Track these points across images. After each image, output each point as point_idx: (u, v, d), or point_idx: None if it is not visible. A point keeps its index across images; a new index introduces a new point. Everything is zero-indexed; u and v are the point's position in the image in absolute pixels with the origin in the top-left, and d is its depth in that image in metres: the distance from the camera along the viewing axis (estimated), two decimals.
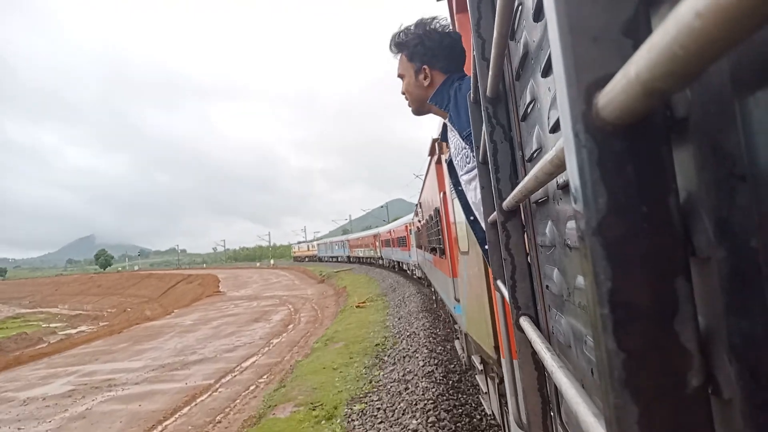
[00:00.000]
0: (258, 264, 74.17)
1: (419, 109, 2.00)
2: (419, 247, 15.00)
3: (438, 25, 1.93)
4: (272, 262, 66.80)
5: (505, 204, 1.02)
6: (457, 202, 4.81)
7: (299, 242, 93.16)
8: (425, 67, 1.89)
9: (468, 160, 1.81)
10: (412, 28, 1.94)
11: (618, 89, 0.25)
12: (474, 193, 1.86)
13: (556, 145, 0.41)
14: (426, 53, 1.89)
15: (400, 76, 1.99)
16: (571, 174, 0.32)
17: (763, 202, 0.24)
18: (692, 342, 0.29)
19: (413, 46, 1.91)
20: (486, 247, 2.01)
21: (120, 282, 63.66)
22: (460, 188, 2.01)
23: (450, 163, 2.05)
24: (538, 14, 0.77)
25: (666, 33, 0.19)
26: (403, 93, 2.00)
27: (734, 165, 0.26)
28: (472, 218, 2.03)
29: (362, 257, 46.56)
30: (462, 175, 1.91)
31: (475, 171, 1.78)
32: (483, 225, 1.92)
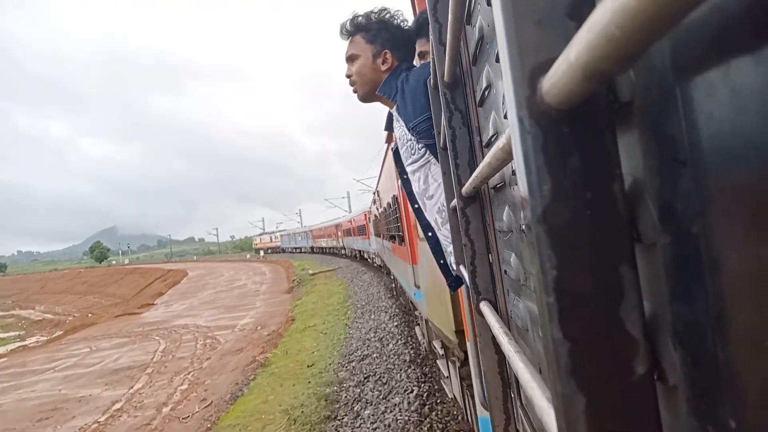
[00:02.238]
0: (248, 255, 70.40)
1: (367, 95, 1.99)
2: (378, 235, 15.03)
3: (401, 18, 1.96)
4: (262, 254, 63.12)
5: (464, 190, 1.02)
6: None
7: (261, 233, 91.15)
8: (386, 51, 1.89)
9: (413, 151, 1.83)
10: (374, 13, 1.94)
11: (560, 73, 0.24)
12: (418, 184, 1.89)
13: (506, 131, 0.41)
14: (390, 38, 1.90)
15: (351, 57, 1.96)
16: (517, 161, 0.31)
17: (704, 187, 0.24)
18: (637, 329, 0.29)
19: (377, 29, 1.91)
20: (429, 234, 2.06)
21: (105, 278, 60.88)
22: (405, 177, 2.03)
23: (396, 152, 2.06)
24: None
25: (604, 13, 0.18)
26: (349, 76, 1.98)
27: (676, 150, 0.26)
28: (416, 206, 2.06)
29: (325, 247, 45.80)
30: (407, 165, 1.93)
31: (420, 161, 1.81)
32: (426, 215, 1.96)
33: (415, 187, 1.94)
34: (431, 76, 1.40)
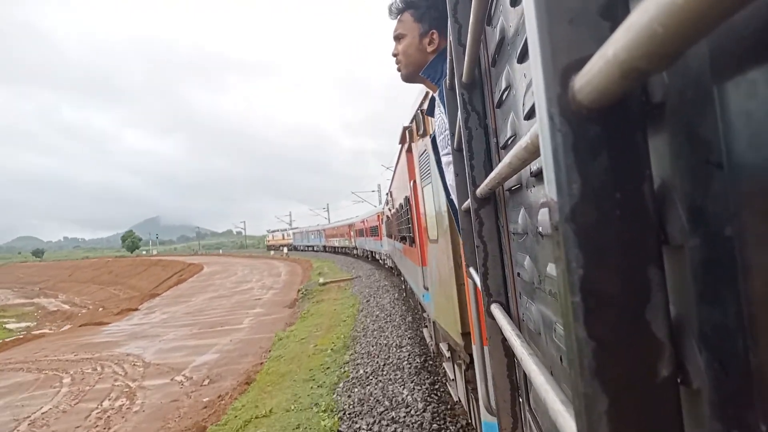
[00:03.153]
0: (272, 253, 68.79)
1: (411, 75, 1.92)
2: (389, 236, 14.95)
3: None
4: (285, 251, 61.22)
5: (478, 191, 1.02)
6: (427, 190, 4.82)
7: (273, 231, 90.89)
8: (434, 31, 1.81)
9: (448, 142, 1.75)
10: None
11: (595, 71, 0.24)
12: (451, 176, 1.82)
13: (531, 130, 0.40)
14: (439, 18, 1.79)
15: (398, 36, 1.89)
16: (545, 159, 0.31)
17: (740, 190, 0.24)
18: (663, 331, 0.28)
19: (426, 7, 1.82)
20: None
21: (130, 269, 61.56)
22: (440, 167, 1.96)
23: (434, 139, 2.00)
24: None
25: (646, 11, 0.18)
26: (395, 55, 1.91)
27: (710, 152, 0.26)
28: (450, 198, 2.00)
29: (338, 246, 45.59)
30: (443, 155, 1.86)
31: None
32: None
33: (449, 179, 1.86)
34: (447, 76, 1.39)
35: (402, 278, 13.63)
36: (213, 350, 12.79)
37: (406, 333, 9.84)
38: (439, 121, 1.83)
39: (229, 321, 17.19)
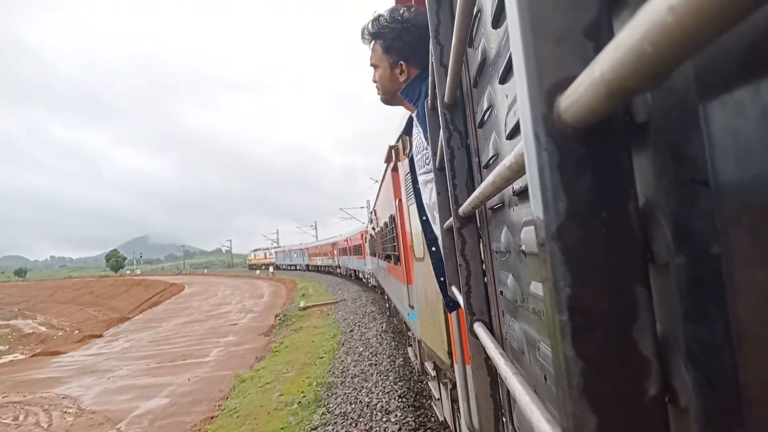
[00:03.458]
0: (258, 272, 65.98)
1: (389, 100, 1.93)
2: (373, 254, 14.86)
3: (415, 15, 1.83)
4: (271, 270, 59.09)
5: (461, 210, 1.02)
6: (413, 208, 4.83)
7: (255, 250, 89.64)
8: (402, 62, 1.81)
9: (427, 160, 1.75)
10: (386, 16, 1.84)
11: (581, 90, 0.24)
12: (429, 195, 1.82)
13: (516, 149, 0.41)
14: (404, 47, 1.80)
15: (373, 65, 1.90)
16: (531, 178, 0.31)
17: (727, 207, 0.24)
18: (650, 349, 0.28)
19: (391, 39, 1.82)
20: (433, 249, 1.99)
21: (111, 290, 59.97)
22: (417, 186, 1.96)
23: (411, 159, 2.00)
24: (497, 21, 0.77)
25: (635, 30, 0.18)
26: (374, 81, 1.92)
27: (696, 171, 0.26)
28: (424, 218, 1.99)
29: (320, 266, 45.27)
30: (420, 174, 1.86)
31: (432, 173, 1.75)
32: (434, 228, 1.89)
33: (426, 198, 1.86)
34: (429, 97, 1.41)
35: (386, 296, 13.48)
36: (165, 392, 10.75)
37: (395, 387, 7.50)
38: (417, 140, 1.83)
39: (195, 352, 15.14)
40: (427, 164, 1.77)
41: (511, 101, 0.72)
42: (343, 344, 11.50)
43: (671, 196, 0.29)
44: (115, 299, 50.82)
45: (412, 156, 1.99)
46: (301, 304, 19.78)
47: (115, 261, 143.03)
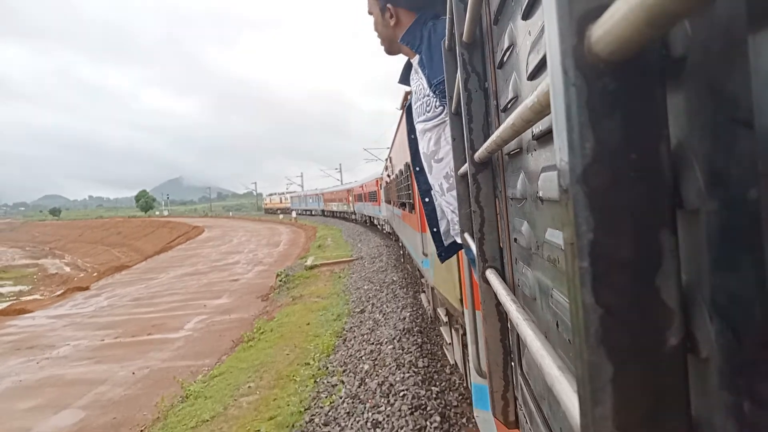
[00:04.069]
0: (281, 216, 63.13)
1: (390, 49, 1.90)
2: (388, 202, 14.82)
3: None
4: (294, 215, 58.53)
5: (477, 155, 1.00)
6: None
7: (271, 194, 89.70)
8: (389, 5, 1.78)
9: (428, 107, 1.73)
10: None
11: (617, 17, 0.22)
12: (427, 144, 1.79)
13: (539, 88, 0.38)
14: None
15: (370, 13, 1.88)
16: (556, 117, 0.29)
17: None
18: (673, 299, 0.27)
19: None
20: (426, 200, 1.98)
21: (138, 230, 61.20)
22: (413, 137, 1.93)
23: (409, 108, 1.97)
24: None
25: None
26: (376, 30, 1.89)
27: (737, 110, 0.24)
28: (417, 169, 1.97)
29: (336, 211, 45.49)
30: (418, 122, 1.83)
31: (434, 120, 1.71)
32: (429, 177, 1.87)
33: (423, 147, 1.84)
34: (446, 37, 1.35)
35: (400, 243, 13.52)
36: (85, 400, 7.78)
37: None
38: (417, 86, 1.79)
39: (170, 322, 12.38)
40: (427, 111, 1.74)
41: (535, 38, 0.68)
42: (346, 334, 8.25)
43: (707, 137, 0.27)
44: (140, 240, 51.88)
45: (410, 104, 1.95)
46: (308, 262, 16.66)
47: (144, 202, 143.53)
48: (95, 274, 27.93)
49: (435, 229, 2.02)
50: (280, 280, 15.00)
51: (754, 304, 0.24)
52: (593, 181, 0.27)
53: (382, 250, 17.85)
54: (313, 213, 59.62)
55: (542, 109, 0.40)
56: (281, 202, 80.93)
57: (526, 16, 0.72)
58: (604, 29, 0.24)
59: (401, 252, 14.34)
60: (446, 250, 2.02)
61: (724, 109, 0.25)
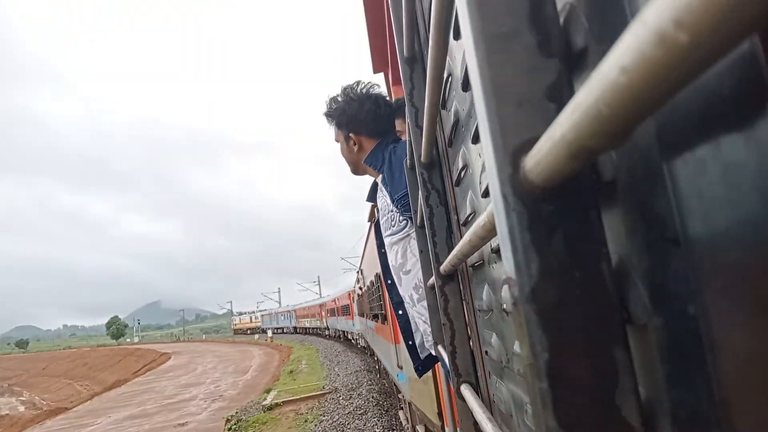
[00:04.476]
0: (256, 337, 60.68)
1: (356, 170, 2.03)
2: (361, 314, 14.55)
3: (361, 89, 1.96)
4: (270, 334, 55.05)
5: (442, 268, 1.01)
6: None
7: (240, 313, 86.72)
8: (351, 134, 1.93)
9: (393, 222, 1.81)
10: (338, 96, 1.98)
11: (544, 151, 0.24)
12: (395, 256, 1.85)
13: (488, 209, 0.40)
14: (350, 122, 1.93)
15: (336, 141, 2.03)
16: (502, 239, 0.30)
17: (699, 267, 0.23)
18: (635, 416, 0.27)
19: (338, 115, 1.96)
20: (400, 312, 1.99)
21: (105, 360, 57.73)
22: (383, 251, 2.00)
23: (377, 224, 2.05)
24: (466, 85, 0.79)
25: (590, 91, 0.18)
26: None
27: (665, 228, 0.25)
28: (389, 282, 2.00)
29: (308, 327, 44.19)
30: (386, 236, 1.91)
31: (399, 234, 1.78)
32: (400, 290, 1.90)
33: (392, 260, 1.89)
34: (407, 157, 1.43)
35: (375, 358, 12.95)
36: None
37: None
38: (382, 203, 1.90)
39: None
40: (392, 226, 1.82)
41: (484, 161, 0.72)
42: None
43: (644, 255, 0.28)
44: (106, 371, 48.37)
45: (377, 221, 2.04)
46: (268, 400, 13.13)
47: (116, 329, 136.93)
48: (31, 418, 23.91)
49: (410, 342, 1.99)
50: (229, 429, 11.58)
51: (711, 420, 0.24)
52: (542, 300, 0.27)
53: (362, 378, 14.72)
54: (285, 331, 57.64)
55: (492, 228, 0.41)
56: (251, 321, 78.25)
57: (475, 140, 0.77)
58: (535, 161, 0.26)
59: (377, 366, 13.67)
60: (423, 364, 1.98)
61: (655, 228, 0.27)
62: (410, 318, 1.96)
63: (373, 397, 11.69)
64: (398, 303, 1.99)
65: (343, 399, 12.21)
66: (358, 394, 12.35)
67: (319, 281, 70.50)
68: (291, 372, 19.34)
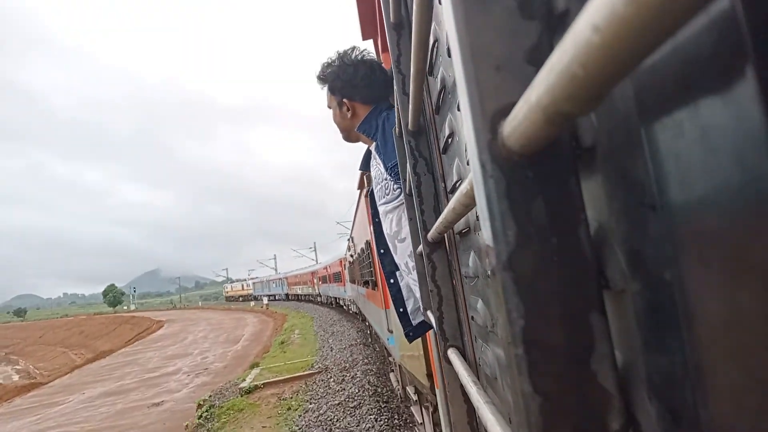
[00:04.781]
0: (252, 304, 59.63)
1: (348, 137, 2.01)
2: (353, 281, 14.69)
3: (356, 55, 1.92)
4: (266, 301, 51.79)
5: (429, 235, 1.02)
6: None
7: (231, 281, 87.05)
8: (345, 100, 1.90)
9: (387, 191, 1.80)
10: (332, 61, 1.94)
11: (521, 116, 0.23)
12: (389, 225, 1.85)
13: (468, 176, 0.40)
14: (344, 87, 1.89)
15: (329, 107, 2.00)
16: (480, 206, 0.30)
17: (676, 231, 0.23)
18: (611, 381, 0.27)
19: (332, 80, 1.92)
20: (392, 281, 2.00)
21: (101, 328, 57.42)
22: (377, 220, 2.00)
23: (371, 194, 2.03)
24: (451, 50, 0.78)
25: (564, 52, 0.17)
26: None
27: (644, 194, 0.25)
28: (382, 251, 2.01)
29: (301, 294, 44.43)
30: (380, 204, 1.90)
31: (394, 202, 1.78)
32: (395, 257, 1.91)
33: (386, 229, 1.89)
34: (396, 125, 1.41)
35: (366, 323, 13.11)
36: None
37: None
38: (376, 171, 1.88)
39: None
40: (387, 194, 1.81)
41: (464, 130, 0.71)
42: None
43: (622, 221, 0.28)
44: (101, 339, 48.04)
45: (371, 190, 2.02)
46: (246, 382, 11.39)
47: (112, 296, 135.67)
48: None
49: (401, 309, 2.01)
50: (200, 417, 9.99)
51: (685, 385, 0.24)
52: (519, 267, 0.27)
53: (357, 355, 12.79)
54: (276, 298, 57.94)
55: (474, 195, 0.41)
56: (243, 288, 78.68)
57: (460, 107, 0.76)
58: (512, 126, 0.25)
59: (368, 331, 13.87)
60: (415, 330, 2.01)
61: (633, 193, 0.26)
62: (405, 285, 1.97)
63: (369, 382, 9.75)
64: (390, 272, 2.00)
65: (334, 382, 10.44)
66: (352, 377, 10.50)
67: (315, 247, 69.88)
68: (282, 343, 17.95)
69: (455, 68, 0.32)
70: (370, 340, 13.49)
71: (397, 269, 1.95)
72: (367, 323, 13.34)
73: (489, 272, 0.73)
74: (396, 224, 1.81)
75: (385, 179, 1.78)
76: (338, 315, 24.96)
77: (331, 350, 14.45)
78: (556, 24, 0.30)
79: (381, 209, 1.90)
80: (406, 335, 2.03)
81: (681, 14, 0.13)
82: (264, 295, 61.74)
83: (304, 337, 18.92)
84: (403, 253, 1.83)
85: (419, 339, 3.77)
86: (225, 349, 22.69)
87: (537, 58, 0.28)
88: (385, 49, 2.83)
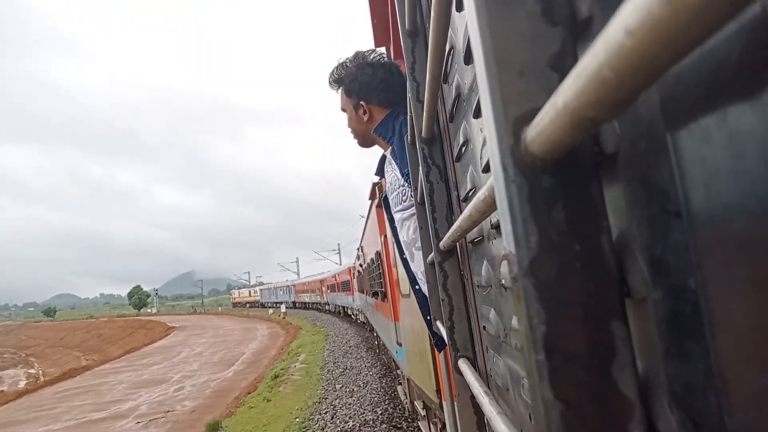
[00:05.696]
0: (270, 311, 56.87)
1: (363, 142, 1.97)
2: (361, 291, 14.64)
3: (374, 57, 1.89)
4: (283, 309, 52.20)
5: (441, 244, 1.02)
6: None
7: (240, 287, 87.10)
8: (362, 102, 1.86)
9: (403, 197, 1.77)
10: (348, 62, 1.90)
11: (546, 121, 0.24)
12: (406, 232, 1.81)
13: (488, 182, 0.40)
14: (361, 89, 1.85)
15: (343, 110, 1.95)
16: (502, 211, 0.30)
17: (700, 239, 0.23)
18: (632, 389, 0.27)
19: (348, 82, 1.88)
20: (416, 287, 1.96)
21: (118, 332, 57.72)
22: (394, 225, 1.96)
23: (386, 199, 2.01)
24: (469, 57, 0.78)
25: (595, 56, 0.18)
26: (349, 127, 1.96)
27: (668, 201, 0.25)
28: (404, 257, 1.98)
29: (308, 302, 44.25)
30: (396, 212, 1.86)
31: (411, 209, 1.73)
32: (411, 266, 1.87)
33: (403, 236, 1.85)
34: (408, 132, 1.42)
35: (375, 334, 13.08)
36: None
37: None
38: (391, 178, 1.85)
39: None
40: (404, 201, 1.77)
41: (485, 133, 0.72)
42: None
43: (645, 228, 0.28)
44: (115, 344, 47.55)
45: (386, 196, 1.99)
46: None
47: (138, 299, 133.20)
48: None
49: (428, 317, 1.98)
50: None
51: (708, 393, 0.24)
52: (541, 273, 0.27)
53: (375, 386, 9.34)
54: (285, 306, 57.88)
55: (493, 202, 0.41)
56: (250, 295, 78.67)
57: (476, 115, 0.76)
58: (537, 131, 0.25)
59: (376, 343, 13.83)
60: (441, 340, 1.98)
61: (656, 200, 0.26)
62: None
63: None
64: (414, 278, 1.97)
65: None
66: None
67: (339, 249, 67.26)
68: (276, 377, 13.62)
69: (477, 73, 0.32)
70: (378, 351, 13.35)
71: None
72: (375, 334, 13.29)
73: (505, 280, 0.72)
74: (414, 232, 1.77)
75: (402, 185, 1.75)
76: (358, 337, 19.51)
77: (338, 400, 9.34)
78: (579, 31, 0.31)
79: (397, 216, 1.86)
80: (435, 345, 1.99)
81: (717, 17, 0.13)
82: (272, 302, 61.24)
83: (307, 369, 14.44)
84: (419, 262, 1.77)
85: (428, 354, 3.75)
86: (211, 375, 18.83)
87: (560, 64, 0.28)
88: (397, 56, 2.84)
